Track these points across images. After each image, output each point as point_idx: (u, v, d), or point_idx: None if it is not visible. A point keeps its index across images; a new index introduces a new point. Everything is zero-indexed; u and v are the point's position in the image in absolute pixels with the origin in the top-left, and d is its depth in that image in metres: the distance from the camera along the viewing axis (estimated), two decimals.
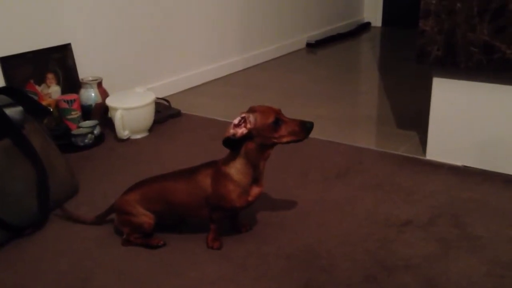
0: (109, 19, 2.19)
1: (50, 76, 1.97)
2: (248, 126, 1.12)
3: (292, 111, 2.22)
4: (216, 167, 1.19)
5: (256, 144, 1.13)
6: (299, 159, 1.71)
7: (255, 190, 1.19)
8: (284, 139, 1.13)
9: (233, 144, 1.15)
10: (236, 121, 1.12)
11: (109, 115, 1.97)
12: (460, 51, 1.48)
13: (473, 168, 1.60)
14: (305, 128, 1.12)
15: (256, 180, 1.18)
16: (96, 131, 1.92)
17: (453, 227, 1.28)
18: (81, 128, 1.91)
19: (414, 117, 2.08)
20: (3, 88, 1.38)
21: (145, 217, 1.22)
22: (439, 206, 1.39)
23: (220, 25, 2.80)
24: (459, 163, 1.63)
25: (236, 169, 1.16)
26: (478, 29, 1.43)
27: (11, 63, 1.85)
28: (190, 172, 1.22)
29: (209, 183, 1.18)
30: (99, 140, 1.92)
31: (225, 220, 1.25)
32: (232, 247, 1.24)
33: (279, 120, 1.11)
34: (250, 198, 1.18)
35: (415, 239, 1.24)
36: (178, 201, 1.21)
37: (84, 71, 2.07)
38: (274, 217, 1.37)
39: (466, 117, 1.58)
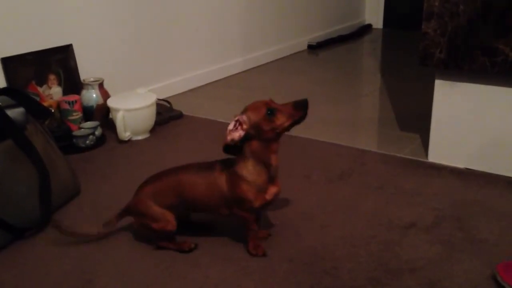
0: (111, 20, 2.18)
1: (51, 77, 1.97)
2: (244, 127, 1.11)
3: None
4: (230, 170, 1.16)
5: (259, 141, 1.12)
6: (302, 161, 1.71)
7: (272, 190, 1.17)
8: (285, 124, 1.11)
9: (234, 149, 1.14)
10: (230, 126, 1.11)
11: (111, 116, 1.97)
12: (463, 53, 1.47)
13: (476, 170, 1.59)
14: (300, 106, 1.11)
15: (272, 178, 1.16)
16: (98, 132, 1.91)
17: (457, 230, 1.28)
18: (82, 129, 1.90)
19: (416, 119, 2.08)
20: (4, 89, 1.38)
21: (166, 217, 1.19)
22: (442, 208, 1.38)
23: (222, 27, 2.80)
24: (461, 165, 1.62)
25: (248, 171, 1.14)
26: (481, 31, 1.42)
27: (13, 64, 1.84)
28: (207, 168, 1.20)
29: (224, 182, 1.16)
30: (100, 141, 1.92)
31: (248, 223, 1.21)
32: (235, 249, 1.23)
33: (272, 109, 1.10)
34: (268, 197, 1.16)
35: (418, 241, 1.24)
36: (196, 196, 1.18)
37: (86, 72, 2.07)
38: (277, 219, 1.36)
39: (468, 119, 1.57)
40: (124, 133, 1.90)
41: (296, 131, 1.97)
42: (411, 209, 1.39)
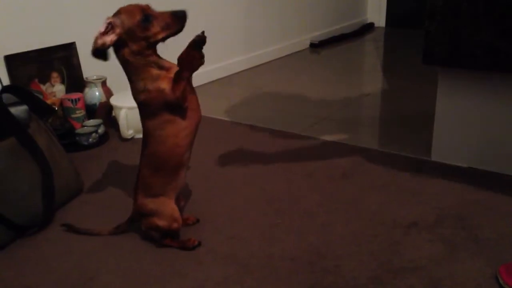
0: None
1: (54, 75, 1.97)
2: (118, 31, 1.06)
3: (295, 112, 2.22)
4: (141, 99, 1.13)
5: (132, 50, 1.08)
6: (304, 160, 1.71)
7: (173, 69, 1.12)
8: (160, 36, 1.07)
9: (105, 54, 1.09)
10: (102, 28, 1.06)
11: (113, 114, 1.97)
12: (466, 52, 1.47)
13: (478, 169, 1.59)
14: (178, 17, 1.07)
15: (162, 67, 1.12)
16: (100, 130, 1.92)
17: (459, 229, 1.28)
18: (85, 127, 1.90)
19: (419, 118, 2.07)
20: (8, 86, 1.38)
21: (173, 214, 1.19)
22: (444, 207, 1.38)
23: (224, 25, 2.80)
24: (464, 164, 1.62)
25: (137, 81, 1.11)
26: (483, 30, 1.42)
27: (16, 61, 1.84)
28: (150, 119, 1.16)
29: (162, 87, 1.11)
30: (103, 139, 1.92)
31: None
32: (236, 248, 1.23)
33: (148, 15, 1.06)
34: (171, 75, 1.11)
35: (421, 240, 1.24)
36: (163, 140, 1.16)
37: (89, 70, 2.07)
38: (278, 218, 1.36)
39: (471, 118, 1.57)
40: (127, 131, 1.90)
41: (297, 130, 1.99)
42: (414, 208, 1.39)
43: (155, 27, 1.07)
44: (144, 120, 1.17)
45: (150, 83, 1.11)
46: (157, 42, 1.10)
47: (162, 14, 1.08)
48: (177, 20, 1.07)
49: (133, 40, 1.07)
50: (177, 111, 1.13)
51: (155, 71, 1.11)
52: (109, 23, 1.07)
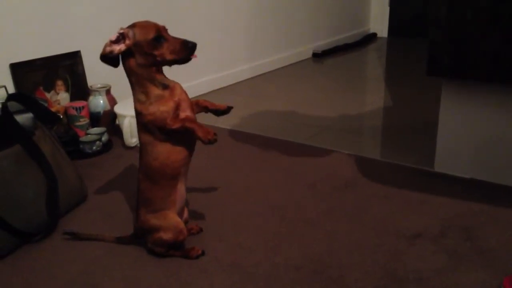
0: (118, 27, 2.19)
1: (59, 83, 1.98)
2: (127, 42, 1.08)
3: (298, 121, 2.23)
4: (138, 114, 1.15)
5: (138, 62, 1.10)
6: (307, 170, 1.71)
7: (176, 90, 1.15)
8: (165, 58, 1.09)
9: (112, 61, 1.12)
10: (113, 37, 1.09)
11: (117, 122, 1.98)
12: (470, 62, 1.47)
13: (482, 180, 1.59)
14: (187, 47, 1.09)
15: (165, 86, 1.14)
16: (104, 138, 1.92)
17: (464, 240, 1.28)
18: (89, 135, 1.91)
19: (422, 128, 2.08)
20: (14, 94, 1.39)
21: (178, 226, 1.19)
22: (448, 218, 1.38)
23: (228, 34, 2.81)
24: (468, 175, 1.62)
25: (140, 92, 1.12)
26: (488, 39, 1.42)
27: (21, 69, 1.86)
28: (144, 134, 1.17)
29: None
30: (107, 147, 1.92)
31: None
32: (241, 257, 1.23)
33: (161, 37, 1.08)
34: (176, 98, 1.13)
35: (425, 251, 1.23)
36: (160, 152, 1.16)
37: (93, 78, 2.08)
38: (283, 227, 1.36)
39: (475, 129, 1.57)
40: (131, 139, 1.91)
41: (300, 139, 1.99)
42: (418, 218, 1.39)
43: (163, 49, 1.09)
44: (139, 130, 1.18)
45: (154, 102, 1.12)
46: (162, 63, 1.12)
47: (174, 39, 1.10)
48: (186, 48, 1.10)
49: (140, 53, 1.10)
50: (170, 135, 1.15)
51: (158, 91, 1.13)
52: (121, 33, 1.09)
